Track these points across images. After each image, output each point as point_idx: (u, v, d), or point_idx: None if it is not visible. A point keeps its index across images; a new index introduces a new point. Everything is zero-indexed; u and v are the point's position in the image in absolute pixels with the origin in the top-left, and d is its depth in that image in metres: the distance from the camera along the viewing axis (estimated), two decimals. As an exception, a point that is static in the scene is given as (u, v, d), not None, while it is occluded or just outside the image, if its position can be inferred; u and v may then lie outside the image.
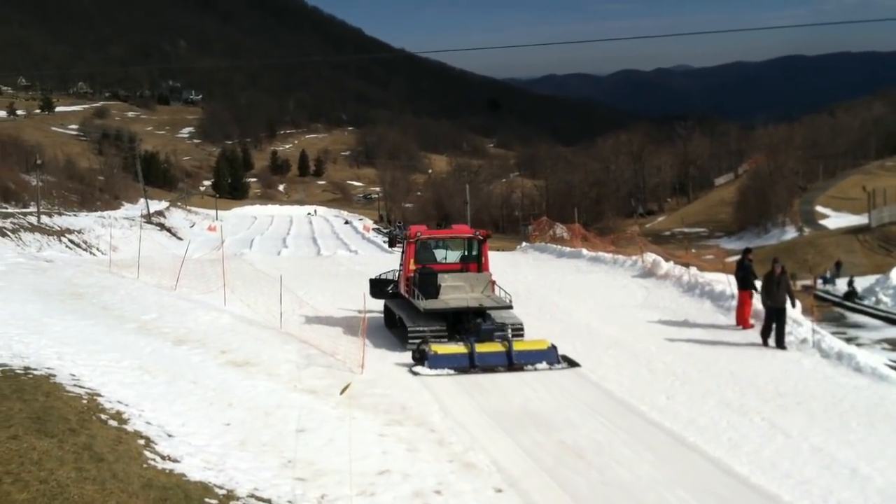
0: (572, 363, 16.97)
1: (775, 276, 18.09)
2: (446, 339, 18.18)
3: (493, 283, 19.88)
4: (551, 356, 16.94)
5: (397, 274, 21.25)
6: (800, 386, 14.83)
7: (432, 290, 19.10)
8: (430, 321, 18.47)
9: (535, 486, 10.39)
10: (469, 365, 16.62)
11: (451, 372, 16.30)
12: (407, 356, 17.45)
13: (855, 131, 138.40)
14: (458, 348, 17.19)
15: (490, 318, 18.73)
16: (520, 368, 16.59)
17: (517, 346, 17.12)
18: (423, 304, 18.75)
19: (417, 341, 17.72)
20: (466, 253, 20.75)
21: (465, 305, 18.81)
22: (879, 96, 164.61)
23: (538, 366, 16.67)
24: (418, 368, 16.52)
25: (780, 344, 17.59)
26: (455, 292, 19.38)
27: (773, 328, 17.86)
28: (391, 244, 26.81)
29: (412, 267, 19.86)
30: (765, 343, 17.91)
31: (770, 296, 17.92)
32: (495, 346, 17.15)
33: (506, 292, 19.39)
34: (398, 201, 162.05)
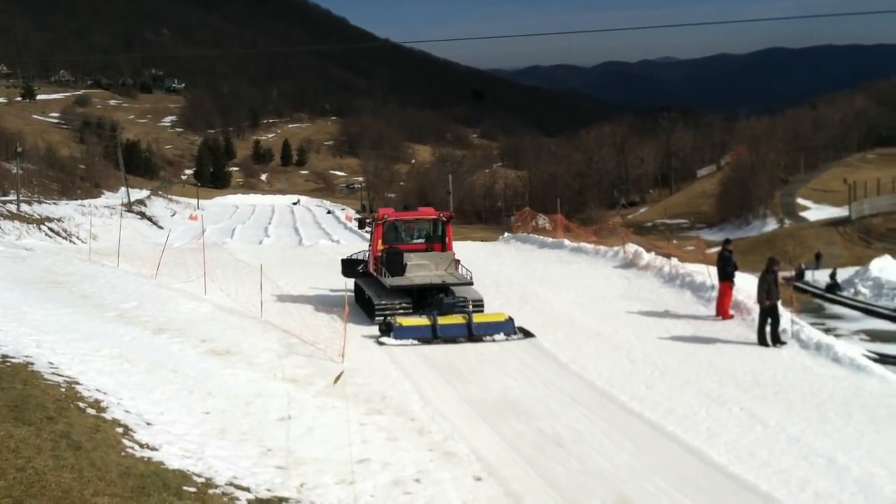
0: (527, 334, 18.45)
1: (774, 275, 17.79)
2: (411, 313, 19.50)
3: (457, 261, 21.34)
4: (508, 327, 18.49)
5: (367, 254, 22.84)
6: (778, 376, 14.93)
7: (398, 268, 20.52)
8: (397, 297, 20.03)
9: (514, 475, 10.42)
10: (432, 336, 18.07)
11: (415, 342, 17.71)
12: (376, 330, 18.70)
13: (837, 124, 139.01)
14: (421, 321, 18.54)
15: (452, 294, 20.11)
16: (479, 339, 18.09)
17: (476, 318, 18.64)
18: (390, 280, 20.22)
19: (383, 315, 19.33)
20: (431, 233, 22.13)
21: (428, 282, 20.30)
22: (862, 89, 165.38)
23: (496, 336, 18.19)
24: (384, 339, 17.95)
25: (779, 340, 17.23)
26: (420, 270, 20.81)
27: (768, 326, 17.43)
28: (361, 226, 28.02)
29: (380, 247, 21.29)
30: (765, 343, 17.21)
31: (770, 295, 17.40)
32: (456, 319, 18.65)
33: (467, 270, 20.95)
34: (381, 191, 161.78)
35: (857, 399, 13.62)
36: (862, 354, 16.69)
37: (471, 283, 20.66)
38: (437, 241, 22.04)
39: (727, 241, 21.50)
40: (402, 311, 19.53)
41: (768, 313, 17.38)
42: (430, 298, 19.99)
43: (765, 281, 17.58)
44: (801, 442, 11.62)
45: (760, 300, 17.57)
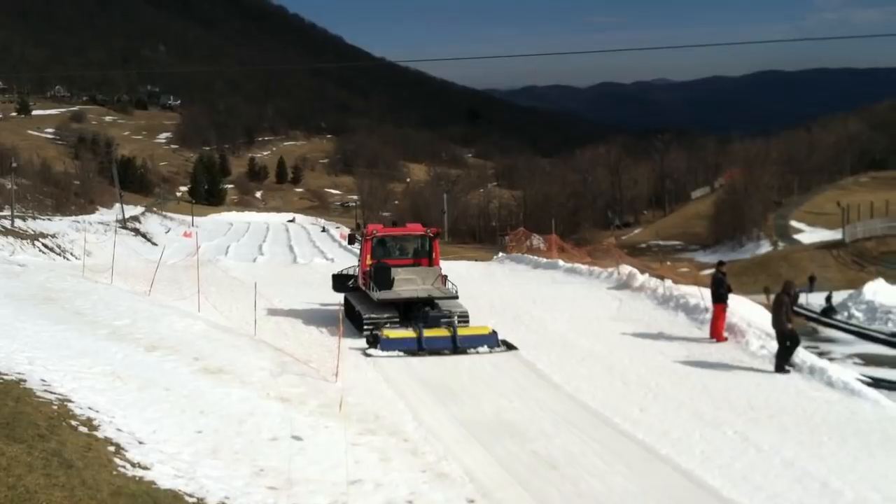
0: (510, 346, 19.14)
1: (790, 297, 17.44)
2: (398, 326, 20.10)
3: (444, 276, 22.03)
4: (492, 340, 19.14)
5: (356, 269, 23.51)
6: (772, 400, 14.91)
7: (386, 282, 21.05)
8: (384, 310, 20.63)
9: (508, 497, 10.41)
10: (417, 348, 18.73)
11: (401, 354, 18.35)
12: (364, 342, 19.37)
13: (830, 147, 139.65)
14: (407, 333, 19.29)
15: (438, 307, 20.86)
16: (463, 351, 18.72)
17: (461, 331, 19.32)
18: (377, 294, 20.82)
19: (371, 327, 19.96)
20: (419, 249, 22.80)
21: (415, 296, 20.91)
22: (855, 113, 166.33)
23: (480, 349, 18.83)
24: (371, 351, 18.62)
25: (792, 365, 16.90)
26: (407, 284, 21.38)
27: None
28: (350, 242, 28.42)
29: (368, 262, 21.90)
30: (785, 370, 16.78)
31: (789, 319, 17.12)
32: (441, 332, 19.35)
33: (453, 284, 21.65)
34: (376, 209, 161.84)
35: (851, 423, 13.62)
36: (856, 378, 16.66)
37: (456, 297, 21.24)
38: (424, 257, 22.67)
39: (721, 264, 21.50)
40: (389, 324, 20.06)
41: (788, 337, 17.01)
42: (417, 311, 20.61)
43: (782, 304, 17.22)
44: (795, 466, 11.61)
45: (781, 324, 17.06)
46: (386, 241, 22.62)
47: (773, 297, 19.55)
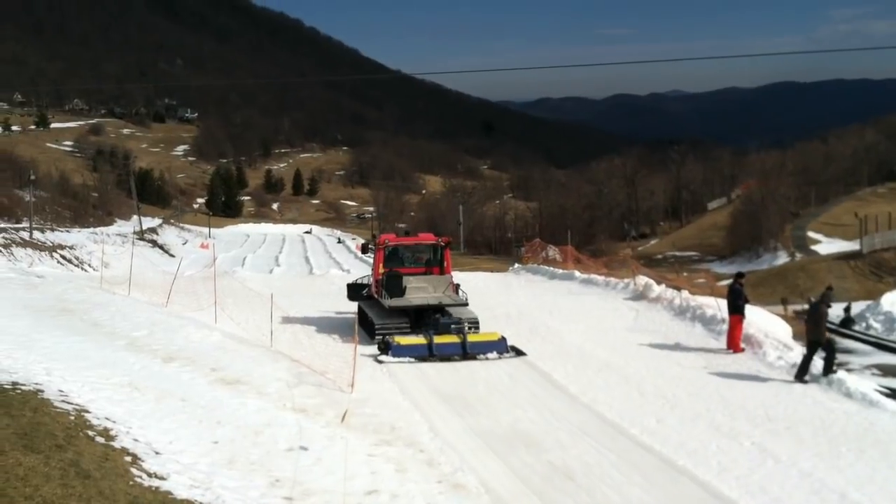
0: (519, 352, 19.52)
1: (828, 307, 17.42)
2: (409, 332, 20.58)
3: (456, 284, 22.57)
4: (501, 346, 19.56)
5: (370, 278, 24.00)
6: (790, 410, 14.82)
7: (397, 290, 21.69)
8: (395, 317, 21.28)
9: (523, 508, 10.37)
10: (428, 354, 19.13)
11: (412, 360, 18.77)
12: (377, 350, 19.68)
13: (847, 158, 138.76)
14: (418, 339, 19.63)
15: (448, 314, 21.20)
16: (473, 357, 19.10)
17: (471, 338, 19.68)
18: (389, 301, 21.48)
19: (382, 334, 20.32)
20: (431, 258, 23.39)
21: (425, 303, 21.44)
22: (872, 124, 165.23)
23: (489, 355, 19.23)
24: (383, 357, 19.01)
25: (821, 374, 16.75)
26: (419, 292, 21.94)
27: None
28: (364, 251, 29.12)
29: (381, 271, 22.46)
30: (805, 381, 16.62)
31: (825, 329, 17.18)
32: (451, 338, 19.63)
33: (463, 292, 22.25)
34: (392, 221, 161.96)
35: (870, 434, 13.51)
36: (874, 389, 16.53)
37: (466, 304, 21.73)
38: (435, 265, 23.26)
39: (740, 275, 21.40)
40: (399, 331, 20.55)
41: (822, 347, 16.95)
42: (427, 319, 20.97)
43: (824, 315, 17.27)
44: (812, 477, 11.52)
45: (821, 334, 17.06)
46: (398, 250, 23.18)
47: (790, 308, 19.47)
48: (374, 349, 19.72)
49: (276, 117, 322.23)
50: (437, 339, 19.47)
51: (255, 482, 10.04)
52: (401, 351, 19.09)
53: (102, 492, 7.89)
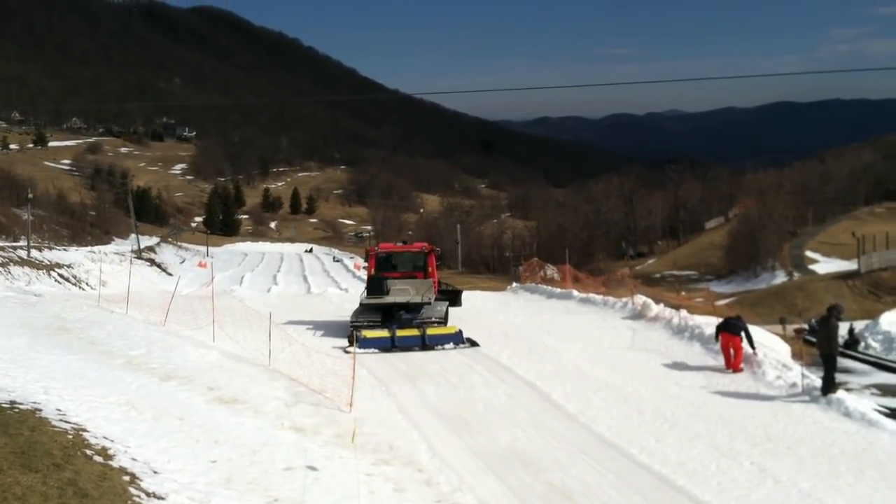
0: (473, 343, 22.26)
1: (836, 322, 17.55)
2: (379, 327, 23.09)
3: (436, 287, 25.53)
4: (457, 338, 22.33)
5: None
6: (789, 430, 14.80)
7: (376, 290, 24.23)
8: (368, 313, 23.87)
9: (522, 528, 10.33)
10: (391, 346, 21.79)
11: (376, 351, 21.37)
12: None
13: (845, 177, 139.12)
14: (382, 332, 22.41)
15: (415, 311, 23.86)
16: (431, 348, 21.74)
17: (430, 331, 22.41)
18: (363, 299, 24.50)
19: (354, 328, 23.01)
20: (419, 263, 26.34)
21: (392, 300, 24.00)
22: (870, 143, 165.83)
23: (446, 346, 21.90)
24: (350, 348, 21.26)
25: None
26: (400, 294, 24.33)
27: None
28: (365, 258, 30.97)
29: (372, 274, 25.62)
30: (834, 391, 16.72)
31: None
32: (412, 331, 22.47)
33: (440, 294, 25.90)
34: (390, 240, 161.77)
35: (869, 454, 13.49)
36: (873, 409, 16.53)
37: (429, 304, 24.17)
38: (420, 270, 26.12)
39: (738, 319, 21.07)
40: (370, 326, 23.11)
41: (831, 361, 17.17)
42: (396, 315, 23.67)
43: (835, 328, 17.46)
44: (812, 497, 11.50)
45: (833, 348, 17.41)
46: (389, 256, 26.68)
47: (789, 327, 19.46)
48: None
49: (275, 136, 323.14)
50: (399, 333, 22.19)
51: (252, 501, 10.01)
52: (367, 343, 21.73)
53: (100, 511, 7.86)
